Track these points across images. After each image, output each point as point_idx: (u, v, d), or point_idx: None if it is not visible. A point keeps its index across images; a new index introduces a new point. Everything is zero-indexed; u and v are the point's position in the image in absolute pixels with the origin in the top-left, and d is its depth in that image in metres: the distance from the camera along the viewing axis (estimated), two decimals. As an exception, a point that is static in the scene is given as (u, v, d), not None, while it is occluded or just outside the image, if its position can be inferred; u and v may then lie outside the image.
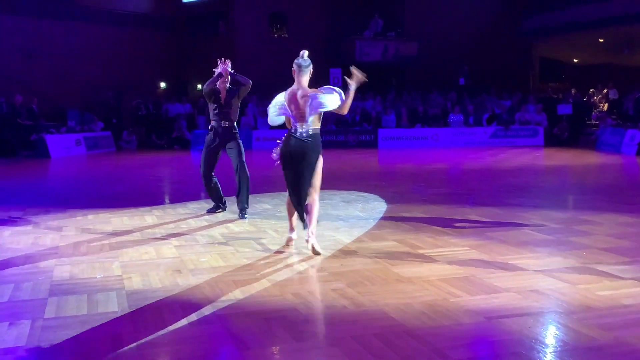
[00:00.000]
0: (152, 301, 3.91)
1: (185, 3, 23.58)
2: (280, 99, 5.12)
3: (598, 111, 22.50)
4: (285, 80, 5.03)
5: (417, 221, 6.57)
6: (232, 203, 7.23)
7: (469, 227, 6.22)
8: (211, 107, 6.91)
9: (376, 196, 8.40)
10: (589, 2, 21.23)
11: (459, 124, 20.19)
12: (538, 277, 4.38)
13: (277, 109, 5.15)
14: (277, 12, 23.61)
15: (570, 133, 19.66)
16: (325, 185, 9.65)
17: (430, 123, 20.47)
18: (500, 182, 10.50)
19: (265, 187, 9.08)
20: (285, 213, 5.50)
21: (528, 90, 23.82)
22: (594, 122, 21.30)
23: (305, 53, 5.09)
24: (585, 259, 4.86)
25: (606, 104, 22.86)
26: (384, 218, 6.81)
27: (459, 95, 22.09)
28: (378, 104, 21.28)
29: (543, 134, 19.74)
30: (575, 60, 27.06)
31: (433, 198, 8.37)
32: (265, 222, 6.59)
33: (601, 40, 22.73)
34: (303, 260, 4.94)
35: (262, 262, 4.91)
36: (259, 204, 7.75)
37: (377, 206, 7.60)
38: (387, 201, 7.97)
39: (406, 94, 22.63)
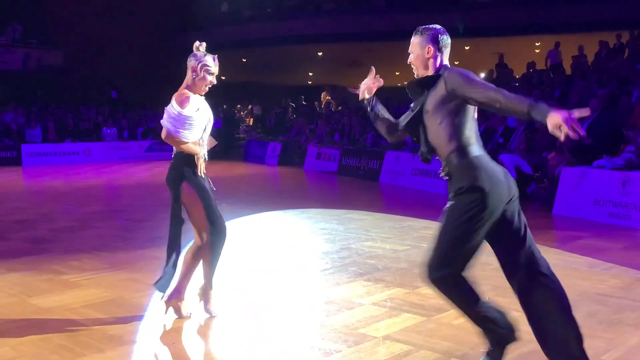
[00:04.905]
0: None
1: None
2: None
3: (245, 125, 24.58)
4: None
5: (68, 243, 6.06)
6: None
7: (122, 246, 6.00)
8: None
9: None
10: (234, 24, 22.88)
11: (113, 138, 19.61)
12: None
13: None
14: None
15: (221, 146, 20.86)
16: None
17: (82, 137, 19.39)
18: (157, 196, 10.44)
19: None
20: None
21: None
22: (242, 135, 23.09)
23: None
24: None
25: (252, 119, 25.10)
26: None
27: (112, 108, 21.52)
28: (20, 116, 19.29)
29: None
30: (223, 78, 28.73)
31: (85, 217, 7.86)
32: None
33: (244, 60, 24.62)
34: None
35: None
36: None
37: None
38: None
39: (54, 107, 21.06)
